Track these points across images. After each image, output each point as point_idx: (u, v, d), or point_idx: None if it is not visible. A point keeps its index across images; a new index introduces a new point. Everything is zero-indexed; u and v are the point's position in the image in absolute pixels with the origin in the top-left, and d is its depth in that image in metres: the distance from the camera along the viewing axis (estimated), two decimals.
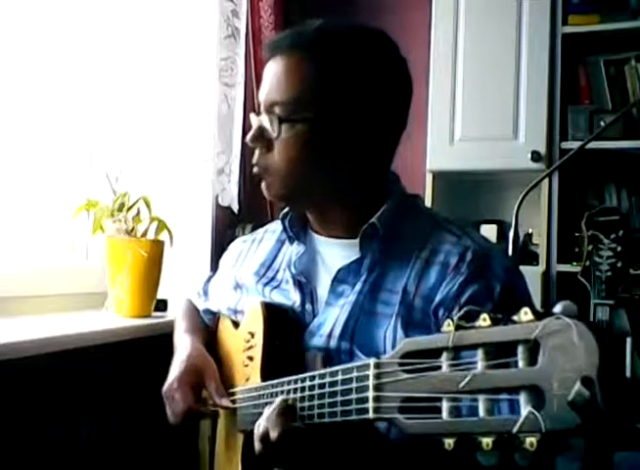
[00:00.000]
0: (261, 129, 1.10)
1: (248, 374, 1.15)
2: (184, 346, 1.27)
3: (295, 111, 1.07)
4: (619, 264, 1.90)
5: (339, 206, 1.13)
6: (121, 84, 2.13)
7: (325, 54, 1.07)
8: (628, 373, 1.69)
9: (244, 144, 2.30)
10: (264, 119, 1.10)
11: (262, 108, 1.11)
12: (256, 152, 1.12)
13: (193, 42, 2.21)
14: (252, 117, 1.13)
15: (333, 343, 1.06)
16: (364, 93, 1.07)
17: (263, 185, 1.13)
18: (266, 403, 0.97)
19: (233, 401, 1.16)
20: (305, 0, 2.43)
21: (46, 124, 1.93)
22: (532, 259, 2.37)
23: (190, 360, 1.21)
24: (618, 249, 1.91)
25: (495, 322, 0.57)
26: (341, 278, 1.10)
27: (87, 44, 2.04)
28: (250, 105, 2.29)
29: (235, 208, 2.30)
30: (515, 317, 0.57)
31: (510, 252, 1.98)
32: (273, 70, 1.10)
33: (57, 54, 1.95)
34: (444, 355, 0.62)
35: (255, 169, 1.13)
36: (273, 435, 0.90)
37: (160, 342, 1.47)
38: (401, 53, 1.13)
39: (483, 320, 0.58)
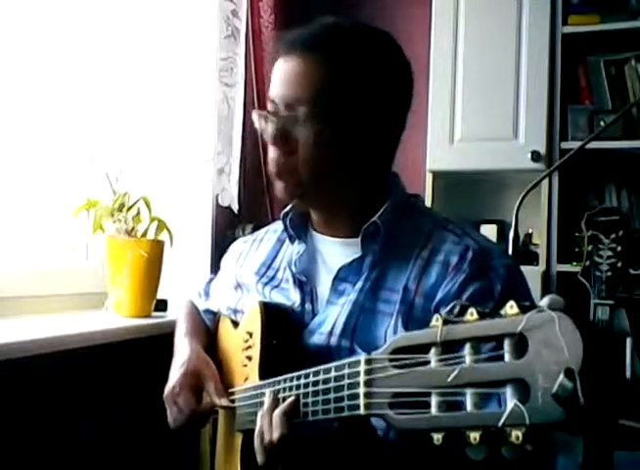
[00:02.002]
0: (282, 129, 1.07)
1: (246, 374, 1.15)
2: (183, 349, 1.27)
3: (316, 112, 1.05)
4: (619, 264, 1.90)
5: (343, 205, 1.13)
6: (121, 84, 2.13)
7: (343, 55, 1.06)
8: (628, 373, 1.68)
9: (244, 144, 2.30)
10: (283, 120, 1.07)
11: (280, 107, 1.08)
12: (274, 152, 1.10)
13: (193, 42, 2.22)
14: (255, 115, 1.11)
15: (333, 341, 1.07)
16: (374, 94, 1.07)
17: (279, 185, 1.12)
18: (262, 403, 0.97)
19: (232, 401, 1.16)
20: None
21: (46, 124, 1.94)
22: (532, 259, 2.37)
23: (189, 363, 1.21)
24: (618, 249, 1.90)
25: (482, 316, 0.58)
26: (342, 276, 1.10)
27: (87, 44, 2.04)
28: (249, 105, 2.29)
29: (235, 208, 2.30)
30: (501, 311, 0.57)
31: (510, 252, 1.98)
32: (290, 70, 1.07)
33: (57, 54, 1.95)
34: (433, 350, 0.62)
35: (273, 169, 1.11)
36: (275, 435, 0.91)
37: (160, 342, 1.47)
38: (405, 54, 1.13)
39: (471, 315, 0.58)
